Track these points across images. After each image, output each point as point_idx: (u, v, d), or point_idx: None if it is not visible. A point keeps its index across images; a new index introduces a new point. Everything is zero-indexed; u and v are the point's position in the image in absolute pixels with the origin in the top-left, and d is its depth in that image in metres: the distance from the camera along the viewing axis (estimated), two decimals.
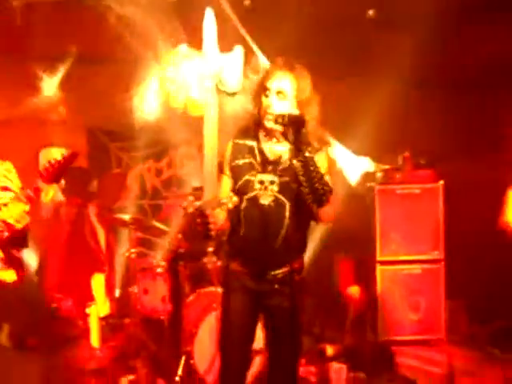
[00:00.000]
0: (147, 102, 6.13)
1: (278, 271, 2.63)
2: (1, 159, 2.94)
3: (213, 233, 2.39)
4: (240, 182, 2.62)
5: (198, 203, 2.38)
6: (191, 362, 4.08)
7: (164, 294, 4.55)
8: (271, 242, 2.60)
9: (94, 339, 4.82)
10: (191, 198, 2.39)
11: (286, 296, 2.60)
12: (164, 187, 6.48)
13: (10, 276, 2.90)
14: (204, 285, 4.47)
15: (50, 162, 2.61)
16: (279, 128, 2.55)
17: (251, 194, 2.60)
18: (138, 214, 5.81)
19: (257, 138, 2.67)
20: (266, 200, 2.59)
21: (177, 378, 4.12)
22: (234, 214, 2.60)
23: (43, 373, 4.49)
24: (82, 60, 5.80)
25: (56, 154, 6.09)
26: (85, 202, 5.20)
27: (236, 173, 2.65)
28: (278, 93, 2.59)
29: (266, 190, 2.60)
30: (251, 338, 2.73)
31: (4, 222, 2.63)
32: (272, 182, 2.61)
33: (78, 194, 5.23)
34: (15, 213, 2.62)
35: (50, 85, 5.91)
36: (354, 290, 5.11)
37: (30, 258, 5.30)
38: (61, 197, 5.41)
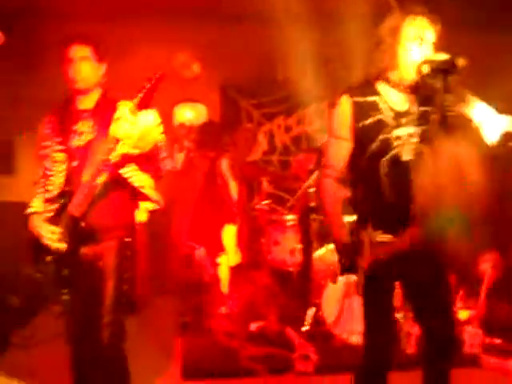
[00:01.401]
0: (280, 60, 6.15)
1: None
2: None
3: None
4: (374, 144, 2.40)
5: None
6: (319, 313, 4.12)
7: (293, 246, 4.60)
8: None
9: (224, 287, 4.99)
10: None
11: (435, 258, 2.43)
12: (293, 143, 6.50)
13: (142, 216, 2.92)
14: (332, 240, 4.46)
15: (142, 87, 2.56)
16: (428, 77, 2.33)
17: (392, 153, 2.39)
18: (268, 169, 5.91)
19: (376, 92, 2.45)
20: (408, 155, 2.40)
21: (304, 328, 4.19)
22: (371, 181, 2.44)
23: (178, 315, 4.76)
24: (218, 17, 5.87)
25: (190, 110, 6.40)
26: (218, 155, 5.32)
27: (365, 135, 2.42)
28: (417, 39, 2.37)
29: (406, 144, 2.40)
30: (393, 311, 2.61)
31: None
32: (411, 135, 2.41)
33: (211, 148, 5.36)
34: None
35: (187, 41, 6.06)
36: (491, 257, 4.85)
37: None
38: (195, 150, 5.60)
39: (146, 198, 2.86)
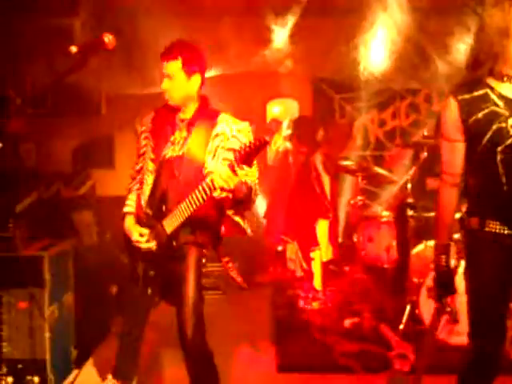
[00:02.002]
0: (372, 53, 6.06)
1: None
2: (239, 119, 2.86)
3: None
4: (488, 135, 2.37)
5: None
6: (416, 311, 4.03)
7: (388, 243, 4.52)
8: None
9: (318, 282, 4.99)
10: None
11: None
12: (387, 138, 6.38)
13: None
14: (429, 237, 4.35)
15: (243, 145, 2.48)
16: None
17: (507, 142, 2.35)
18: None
19: (486, 85, 2.42)
20: None
21: (401, 327, 4.12)
22: (487, 171, 2.41)
23: (272, 309, 4.82)
24: (310, 12, 5.86)
25: (279, 106, 6.43)
26: (311, 150, 5.31)
27: (477, 128, 2.40)
28: None
29: None
30: (508, 303, 2.48)
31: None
32: None
33: (304, 143, 5.35)
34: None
35: (280, 37, 6.08)
36: None
37: (259, 201, 5.65)
38: (288, 145, 5.62)
39: (236, 225, 2.87)
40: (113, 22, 5.39)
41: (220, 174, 2.46)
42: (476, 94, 2.43)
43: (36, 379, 3.26)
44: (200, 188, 2.56)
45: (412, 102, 6.36)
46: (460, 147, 2.48)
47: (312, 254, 5.06)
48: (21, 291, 3.36)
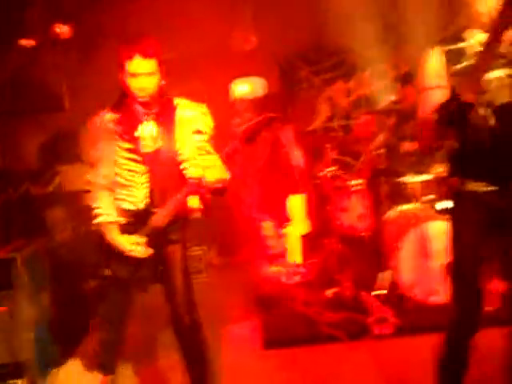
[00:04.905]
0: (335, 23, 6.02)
1: None
2: (197, 102, 2.82)
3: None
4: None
5: None
6: (394, 276, 4.08)
7: (361, 211, 4.55)
8: None
9: (297, 256, 5.01)
10: None
11: None
12: (354, 107, 6.37)
13: (194, 202, 2.95)
14: (402, 201, 4.40)
15: (246, 125, 2.52)
16: None
17: (487, 96, 2.27)
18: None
19: (466, 38, 2.38)
20: (505, 97, 2.28)
21: (380, 292, 4.17)
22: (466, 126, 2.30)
23: (252, 286, 4.84)
24: None
25: (245, 85, 6.36)
26: (280, 125, 5.29)
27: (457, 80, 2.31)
28: None
29: (503, 86, 2.28)
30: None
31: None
32: (510, 76, 2.28)
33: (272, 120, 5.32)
34: (214, 177, 2.56)
35: (242, 15, 6.01)
36: None
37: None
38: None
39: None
40: (70, 11, 5.26)
41: (212, 169, 2.54)
42: (460, 45, 2.39)
43: (19, 382, 3.24)
44: (192, 184, 2.61)
45: (377, 69, 6.34)
46: (443, 92, 2.35)
47: (287, 229, 5.08)
48: None
